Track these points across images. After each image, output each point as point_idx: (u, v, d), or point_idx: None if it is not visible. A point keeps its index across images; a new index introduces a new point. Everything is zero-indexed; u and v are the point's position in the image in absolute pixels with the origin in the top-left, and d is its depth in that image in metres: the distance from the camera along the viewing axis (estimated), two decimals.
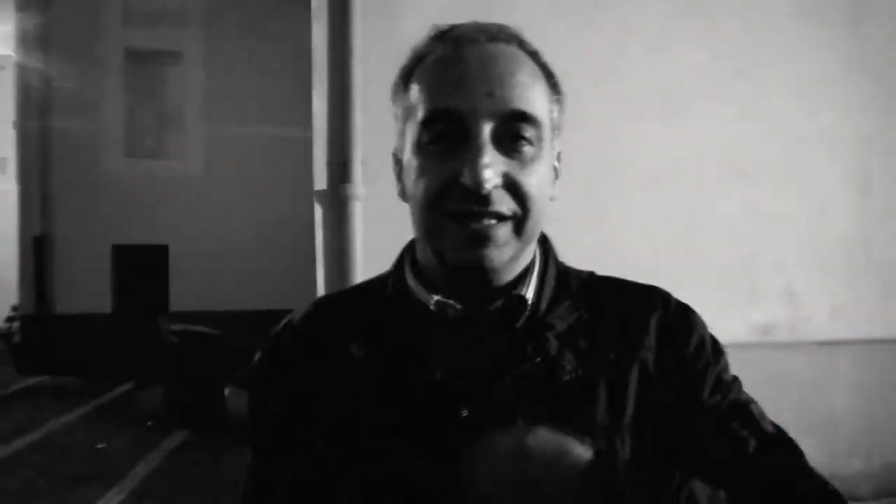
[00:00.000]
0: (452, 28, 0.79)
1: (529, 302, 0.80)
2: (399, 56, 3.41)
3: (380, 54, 3.56)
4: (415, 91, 0.77)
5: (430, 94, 0.75)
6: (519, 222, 0.75)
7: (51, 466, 5.93)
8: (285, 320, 0.91)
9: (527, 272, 0.82)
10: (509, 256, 0.76)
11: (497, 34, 0.77)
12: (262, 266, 10.44)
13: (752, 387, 3.28)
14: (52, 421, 7.53)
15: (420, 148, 0.76)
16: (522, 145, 0.74)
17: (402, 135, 0.80)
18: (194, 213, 10.86)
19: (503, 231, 0.74)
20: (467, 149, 0.72)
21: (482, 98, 0.72)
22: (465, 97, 0.72)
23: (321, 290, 3.63)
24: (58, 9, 10.96)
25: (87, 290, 10.76)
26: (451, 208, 0.73)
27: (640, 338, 0.81)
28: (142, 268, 10.99)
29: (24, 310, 10.89)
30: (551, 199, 0.82)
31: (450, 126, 0.73)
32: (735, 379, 0.86)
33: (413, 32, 3.36)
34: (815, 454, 3.44)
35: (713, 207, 3.98)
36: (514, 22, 0.85)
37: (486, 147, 0.71)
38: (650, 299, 0.86)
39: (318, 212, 3.69)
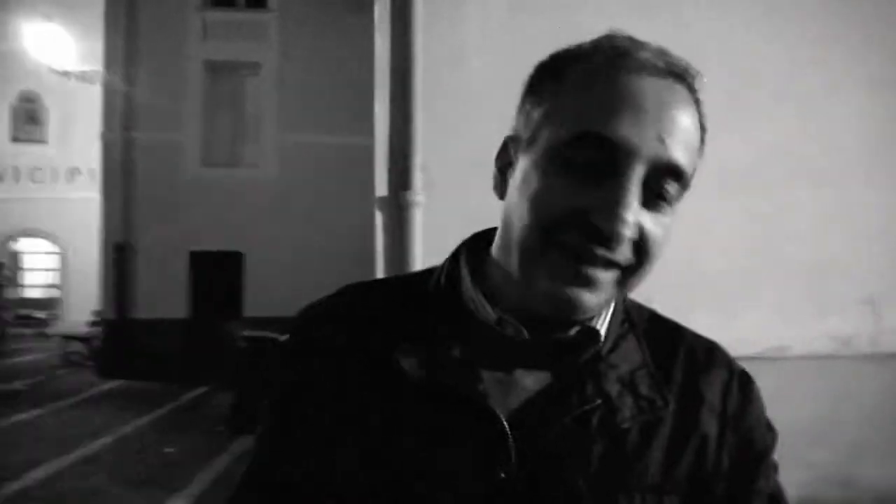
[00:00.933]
0: (635, 47, 0.69)
1: (602, 338, 0.74)
2: (460, 66, 3.35)
3: (440, 65, 3.54)
4: (572, 95, 0.68)
5: (594, 112, 0.66)
6: (627, 272, 0.68)
7: (120, 469, 6.09)
8: (321, 301, 0.84)
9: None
10: (602, 302, 0.69)
11: (680, 72, 0.68)
12: (333, 272, 10.50)
13: (829, 401, 3.00)
14: (126, 424, 7.74)
15: (554, 161, 0.67)
16: (664, 201, 0.67)
17: (532, 130, 0.70)
18: (268, 219, 11.05)
19: (609, 277, 0.67)
20: (611, 186, 0.65)
21: (650, 140, 0.65)
22: (634, 133, 0.64)
23: None
24: (143, 25, 11.39)
25: (165, 295, 11.07)
26: (568, 241, 0.66)
27: (704, 395, 0.76)
28: (217, 274, 11.24)
29: (105, 315, 11.29)
30: None
31: (602, 154, 0.65)
32: (775, 464, 0.81)
33: (474, 43, 3.26)
34: None
35: (788, 212, 3.76)
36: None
37: (636, 194, 0.65)
38: (715, 357, 0.80)
39: (379, 218, 3.67)
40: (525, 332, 0.72)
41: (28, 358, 13.42)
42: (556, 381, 0.73)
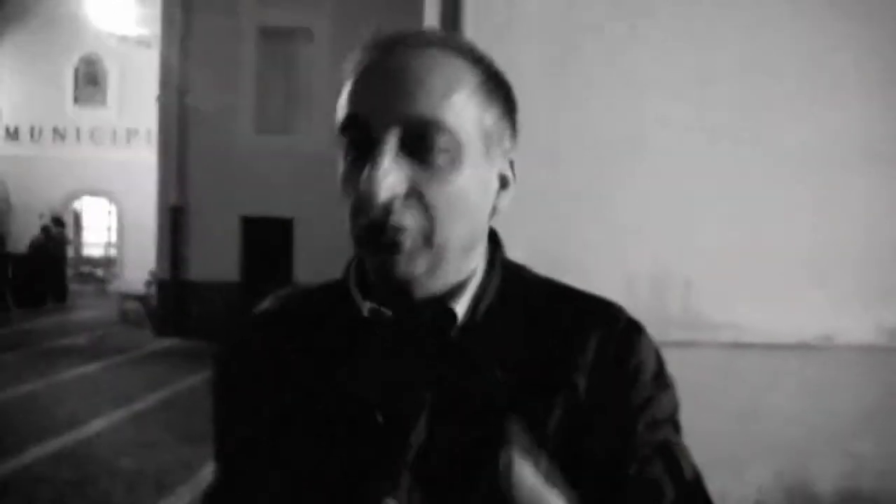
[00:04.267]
0: (386, 36, 0.75)
1: (460, 315, 0.76)
2: (507, 39, 3.38)
3: (489, 34, 3.56)
4: (341, 100, 0.75)
5: (347, 101, 0.73)
6: (426, 234, 0.71)
7: (175, 423, 6.37)
8: (253, 311, 0.91)
9: (467, 280, 0.78)
10: (424, 268, 0.72)
11: (421, 40, 0.73)
12: None
13: (876, 392, 2.98)
14: (181, 380, 8.06)
15: (344, 151, 0.74)
16: (434, 154, 0.70)
17: (337, 128, 0.78)
18: (318, 186, 11.15)
19: (409, 242, 0.70)
20: (371, 157, 0.69)
21: (389, 105, 0.70)
22: (373, 104, 0.71)
23: None
24: None
25: (218, 258, 11.36)
26: (360, 223, 0.71)
27: (574, 357, 0.76)
28: (267, 239, 11.49)
29: (161, 275, 11.66)
30: (495, 210, 0.79)
31: (360, 134, 0.71)
32: (673, 415, 0.79)
33: (523, 16, 3.27)
34: None
35: (843, 195, 3.68)
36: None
37: (387, 155, 0.69)
38: (596, 316, 0.80)
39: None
40: (390, 316, 0.76)
41: (88, 314, 13.97)
42: (429, 360, 0.75)
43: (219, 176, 11.30)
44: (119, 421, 6.42)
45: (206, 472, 5.08)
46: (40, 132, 18.46)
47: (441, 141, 0.70)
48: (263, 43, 11.68)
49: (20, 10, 18.13)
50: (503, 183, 0.80)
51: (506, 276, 0.82)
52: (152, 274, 12.46)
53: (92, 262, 19.28)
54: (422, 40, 0.73)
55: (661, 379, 0.79)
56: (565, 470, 0.70)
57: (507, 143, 0.78)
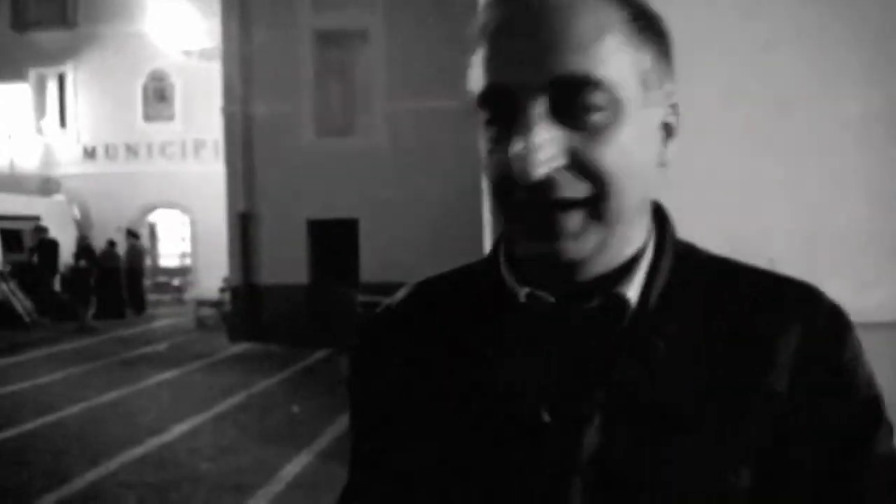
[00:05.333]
0: None
1: (632, 303, 0.67)
2: None
3: None
4: (475, 64, 0.65)
5: (483, 68, 0.64)
6: (596, 205, 0.61)
7: (251, 426, 6.48)
8: (385, 303, 0.83)
9: (636, 259, 0.68)
10: (592, 246, 0.63)
11: None
12: (444, 236, 10.57)
13: None
14: (255, 384, 8.20)
15: (484, 129, 0.65)
16: (590, 113, 0.60)
17: (470, 97, 0.69)
18: (381, 186, 11.21)
19: (575, 219, 0.61)
20: (517, 129, 0.60)
21: (530, 67, 0.60)
22: (514, 69, 0.61)
23: None
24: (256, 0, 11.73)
25: (287, 262, 11.53)
26: (513, 202, 0.62)
27: (770, 354, 0.65)
28: (333, 241, 11.59)
29: (233, 281, 11.91)
30: (661, 164, 0.68)
31: (503, 104, 0.62)
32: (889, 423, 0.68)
33: None
34: None
35: None
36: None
37: (537, 125, 0.59)
38: (794, 304, 0.68)
39: (486, 182, 3.68)
40: (552, 303, 0.67)
41: (166, 322, 14.42)
42: (597, 348, 0.67)
43: (283, 181, 11.47)
44: (198, 425, 6.57)
45: (284, 474, 5.16)
46: (115, 150, 19.13)
47: (597, 97, 0.60)
48: (320, 47, 11.79)
49: (90, 34, 18.85)
50: (668, 131, 0.69)
51: (678, 254, 0.71)
52: (225, 280, 12.74)
53: (168, 272, 19.87)
54: None
55: (869, 373, 0.69)
56: (769, 484, 0.64)
57: (668, 85, 0.68)
